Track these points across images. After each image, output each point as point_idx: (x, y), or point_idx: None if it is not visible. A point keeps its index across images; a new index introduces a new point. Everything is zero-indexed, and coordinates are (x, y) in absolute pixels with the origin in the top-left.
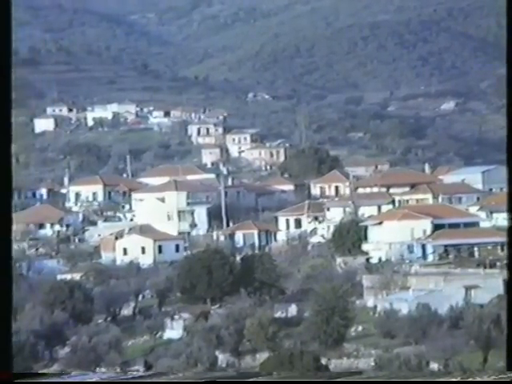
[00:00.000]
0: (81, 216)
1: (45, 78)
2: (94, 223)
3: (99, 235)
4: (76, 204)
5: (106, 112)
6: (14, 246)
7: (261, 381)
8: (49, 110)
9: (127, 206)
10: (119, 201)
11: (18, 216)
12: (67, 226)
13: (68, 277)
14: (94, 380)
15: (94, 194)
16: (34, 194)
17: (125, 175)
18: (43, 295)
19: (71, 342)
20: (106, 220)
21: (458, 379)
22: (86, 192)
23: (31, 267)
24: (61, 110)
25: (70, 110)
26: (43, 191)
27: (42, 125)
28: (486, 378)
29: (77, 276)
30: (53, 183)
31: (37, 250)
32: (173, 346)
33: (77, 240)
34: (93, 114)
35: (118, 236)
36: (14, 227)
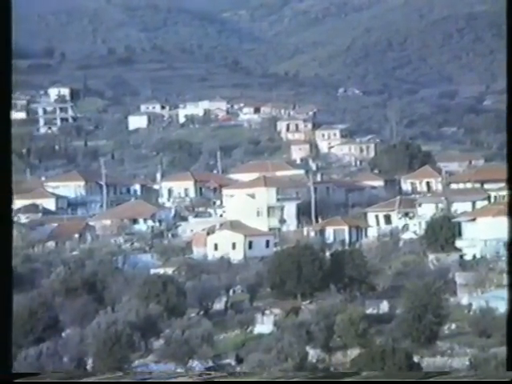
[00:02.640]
0: (173, 211)
1: (139, 76)
2: (186, 219)
3: (191, 230)
4: (168, 200)
5: (197, 109)
6: (111, 241)
7: (268, 381)
8: (143, 108)
9: (218, 202)
10: (210, 197)
11: (114, 211)
12: (160, 221)
13: (161, 271)
14: (94, 380)
15: (186, 189)
16: (128, 190)
17: (215, 171)
18: (138, 288)
19: (165, 334)
20: (196, 216)
21: (458, 379)
22: (178, 188)
23: (126, 261)
24: (154, 108)
25: (163, 108)
26: (137, 187)
27: (136, 122)
28: (485, 378)
29: (169, 270)
30: (146, 179)
31: (132, 244)
32: (263, 341)
33: (170, 235)
34: (184, 111)
35: (210, 231)
36: (110, 222)
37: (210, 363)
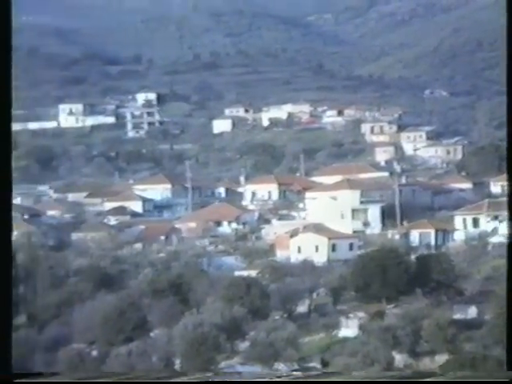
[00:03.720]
0: (257, 214)
1: (224, 81)
2: (269, 221)
3: (275, 233)
4: (252, 202)
5: (280, 112)
6: (196, 243)
7: (268, 381)
8: (227, 112)
9: (301, 205)
10: (293, 199)
11: (199, 214)
12: (244, 223)
13: (245, 273)
14: (94, 380)
15: (269, 192)
16: (212, 193)
17: (298, 174)
18: (223, 290)
19: (250, 336)
20: (280, 218)
21: (458, 379)
22: (262, 191)
23: (211, 263)
24: (238, 111)
25: (247, 111)
26: (221, 190)
27: (221, 126)
28: (485, 378)
29: (253, 273)
30: (230, 182)
31: (216, 246)
32: (349, 345)
33: (253, 238)
34: (268, 115)
35: (293, 234)
36: (195, 224)
37: (296, 366)
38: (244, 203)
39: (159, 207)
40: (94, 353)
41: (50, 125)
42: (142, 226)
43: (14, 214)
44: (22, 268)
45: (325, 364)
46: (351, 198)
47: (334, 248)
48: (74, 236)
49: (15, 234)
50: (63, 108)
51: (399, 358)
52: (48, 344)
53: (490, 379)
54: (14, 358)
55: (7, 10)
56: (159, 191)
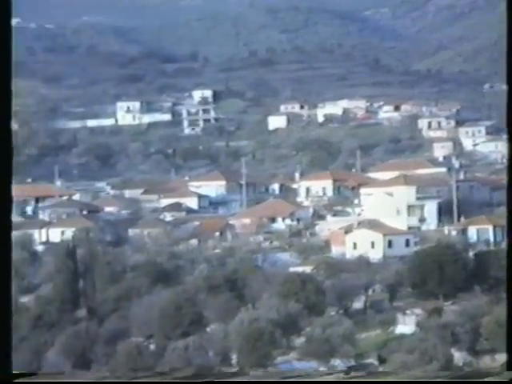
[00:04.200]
0: (311, 210)
1: (279, 77)
2: (324, 217)
3: (329, 229)
4: (306, 198)
5: (336, 108)
6: (250, 239)
7: (267, 381)
8: (282, 108)
9: (356, 201)
10: (348, 195)
11: (253, 210)
12: (298, 220)
13: (300, 269)
14: (94, 380)
15: (324, 188)
16: (267, 189)
17: (354, 170)
18: (278, 286)
19: (306, 332)
20: (334, 214)
21: (458, 379)
22: (316, 187)
23: (266, 259)
24: (293, 108)
25: (302, 107)
26: (275, 186)
27: (276, 122)
28: (485, 378)
29: (308, 269)
30: (285, 178)
31: (271, 242)
32: (406, 342)
33: (308, 234)
34: (323, 111)
35: (348, 230)
36: (249, 221)
37: (352, 362)
38: (298, 199)
39: (214, 203)
40: (152, 347)
41: (108, 122)
42: (197, 223)
43: (72, 209)
44: (82, 263)
45: (382, 361)
46: (407, 193)
47: (390, 244)
48: (131, 232)
49: (74, 229)
50: (121, 106)
51: (458, 356)
52: (107, 337)
53: (490, 379)
54: (76, 348)
55: (7, 8)
56: (214, 188)
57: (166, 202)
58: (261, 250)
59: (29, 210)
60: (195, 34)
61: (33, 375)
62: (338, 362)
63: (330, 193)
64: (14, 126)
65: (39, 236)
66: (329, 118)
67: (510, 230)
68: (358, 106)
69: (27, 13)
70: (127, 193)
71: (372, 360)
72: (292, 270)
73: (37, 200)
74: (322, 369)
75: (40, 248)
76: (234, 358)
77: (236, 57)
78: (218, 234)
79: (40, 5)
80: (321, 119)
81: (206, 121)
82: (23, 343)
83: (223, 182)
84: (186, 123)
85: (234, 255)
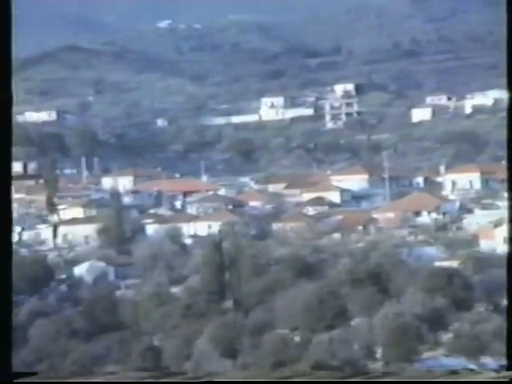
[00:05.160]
0: (458, 204)
1: (424, 69)
2: (471, 211)
3: (477, 223)
4: (452, 192)
5: (486, 99)
6: (394, 233)
7: (268, 381)
8: (427, 100)
9: (506, 194)
10: (497, 188)
11: (397, 204)
12: (444, 213)
13: (446, 264)
14: (94, 380)
15: (471, 181)
16: (410, 183)
17: (503, 162)
18: (423, 281)
19: (453, 328)
20: (483, 208)
21: (458, 379)
22: (463, 180)
23: (411, 254)
24: (440, 99)
25: (449, 99)
26: (420, 180)
27: (420, 114)
28: (485, 378)
29: (455, 263)
30: (429, 172)
31: (415, 237)
32: None
33: (454, 228)
34: (472, 102)
35: (498, 224)
36: (393, 215)
37: (504, 361)
38: (444, 193)
39: (357, 198)
40: (297, 339)
41: (251, 118)
42: (340, 217)
43: (218, 204)
44: (227, 256)
45: None
46: None
47: None
48: (275, 226)
49: (220, 223)
50: (265, 101)
51: None
52: (253, 328)
53: (490, 379)
54: (223, 338)
55: (7, 5)
56: (356, 182)
57: (308, 196)
58: (405, 244)
59: (178, 204)
60: (339, 27)
61: (33, 375)
62: (488, 360)
63: (477, 186)
64: (164, 122)
65: (187, 229)
66: (477, 109)
67: (510, 229)
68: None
69: (178, 15)
70: (270, 187)
71: None
72: (438, 264)
73: (184, 195)
74: (471, 366)
75: (188, 241)
76: (379, 352)
77: (379, 49)
78: (361, 227)
79: (191, 6)
80: (468, 110)
81: (349, 115)
82: (175, 331)
83: (365, 176)
84: (328, 117)
85: (377, 249)
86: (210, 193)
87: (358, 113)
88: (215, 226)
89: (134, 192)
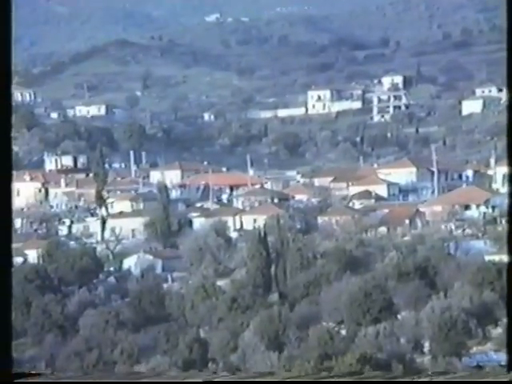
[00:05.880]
0: (508, 197)
1: (475, 60)
2: None
3: None
4: (503, 185)
5: None
6: (442, 227)
7: (266, 381)
8: (478, 92)
9: None
10: None
11: (445, 197)
12: (493, 207)
13: (496, 258)
14: (94, 380)
15: None
16: (459, 176)
17: None
18: (471, 275)
19: (503, 323)
20: None
21: (458, 379)
22: None
23: (459, 247)
24: (490, 91)
25: (500, 90)
26: (469, 173)
27: (470, 107)
28: (485, 378)
29: (505, 258)
30: (479, 165)
31: (463, 230)
32: None
33: (504, 222)
34: None
35: None
36: (440, 208)
37: None
38: (494, 186)
39: (404, 191)
40: (343, 332)
41: (298, 112)
42: (386, 210)
43: (264, 197)
44: (273, 249)
45: None
46: None
47: None
48: (320, 219)
49: (265, 217)
50: (312, 95)
51: None
52: (299, 321)
53: (490, 379)
54: (269, 331)
55: (7, 9)
56: (404, 175)
57: (354, 189)
58: (453, 238)
59: (224, 197)
60: (386, 18)
61: (33, 375)
62: None
63: None
64: (211, 116)
65: (233, 223)
66: None
67: (510, 242)
68: None
69: (225, 8)
70: (316, 181)
71: None
72: (487, 258)
73: (231, 188)
74: None
75: (234, 234)
76: (427, 345)
77: (429, 40)
78: (407, 221)
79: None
80: None
81: (396, 107)
82: (221, 324)
83: (413, 169)
84: (375, 110)
85: (424, 243)
86: (257, 186)
87: (406, 106)
88: (261, 220)
89: (181, 186)
